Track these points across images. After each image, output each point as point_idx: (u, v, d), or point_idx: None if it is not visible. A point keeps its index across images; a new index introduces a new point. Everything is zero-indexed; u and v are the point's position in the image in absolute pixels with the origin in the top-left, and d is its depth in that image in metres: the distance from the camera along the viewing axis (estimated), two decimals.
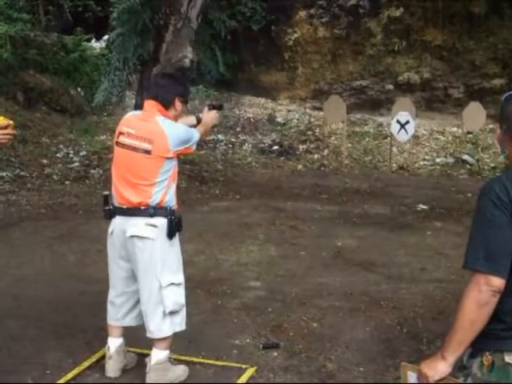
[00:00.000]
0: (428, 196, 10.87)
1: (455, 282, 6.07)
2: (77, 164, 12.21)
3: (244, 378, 4.27)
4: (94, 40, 19.38)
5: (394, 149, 14.27)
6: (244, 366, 4.42)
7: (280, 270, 6.79)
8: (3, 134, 3.75)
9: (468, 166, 13.62)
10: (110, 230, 4.17)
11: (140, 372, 4.19)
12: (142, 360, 4.26)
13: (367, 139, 15.41)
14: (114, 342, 4.24)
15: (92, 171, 11.71)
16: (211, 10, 14.28)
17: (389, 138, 14.26)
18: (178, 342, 4.31)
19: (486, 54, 15.45)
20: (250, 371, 4.36)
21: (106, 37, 17.28)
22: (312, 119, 16.67)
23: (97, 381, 4.22)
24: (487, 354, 2.35)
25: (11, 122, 3.79)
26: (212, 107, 4.55)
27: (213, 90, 18.06)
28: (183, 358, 4.45)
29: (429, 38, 15.91)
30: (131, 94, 15.72)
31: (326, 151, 14.75)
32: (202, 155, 13.65)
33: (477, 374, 2.38)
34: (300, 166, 13.80)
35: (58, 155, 12.66)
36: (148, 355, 4.15)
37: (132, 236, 3.98)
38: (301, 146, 15.02)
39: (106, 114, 16.53)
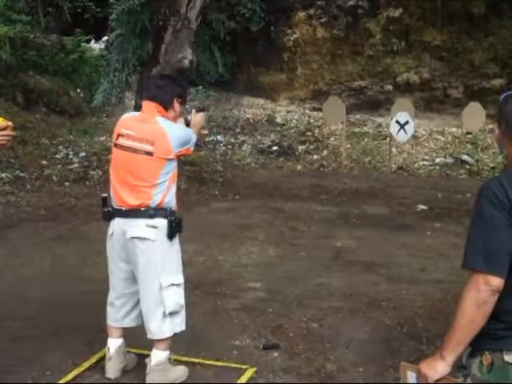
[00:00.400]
0: (427, 196, 10.88)
1: (455, 283, 6.06)
2: (76, 165, 12.21)
3: (244, 379, 4.27)
4: (93, 41, 19.41)
5: (394, 149, 14.28)
6: (244, 367, 4.42)
7: (280, 270, 6.80)
8: (2, 136, 3.75)
9: (467, 167, 13.62)
10: (109, 231, 4.16)
11: (140, 373, 4.19)
12: (141, 361, 4.26)
13: (366, 140, 15.42)
14: (114, 343, 4.24)
15: (91, 172, 11.72)
16: (210, 11, 14.29)
17: (388, 139, 14.26)
18: (177, 343, 4.31)
19: (486, 54, 15.46)
20: (250, 372, 4.36)
21: (105, 38, 17.29)
22: (311, 120, 16.68)
23: (97, 381, 4.22)
24: (486, 353, 2.36)
25: (10, 124, 3.79)
26: (199, 109, 4.59)
27: (212, 90, 18.07)
28: (183, 358, 4.45)
29: (428, 38, 15.91)
30: (130, 95, 15.74)
31: (325, 152, 14.75)
32: (202, 156, 13.66)
33: (476, 374, 2.39)
34: (299, 167, 13.81)
35: (57, 156, 12.66)
36: (148, 356, 4.15)
37: (132, 237, 3.98)
38: (300, 147, 15.02)
39: (105, 115, 16.55)
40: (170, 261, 4.07)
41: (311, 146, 15.12)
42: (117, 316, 4.24)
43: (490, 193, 2.35)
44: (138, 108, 4.23)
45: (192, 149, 4.21)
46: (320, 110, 15.68)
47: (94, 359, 4.46)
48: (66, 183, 11.08)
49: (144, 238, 3.96)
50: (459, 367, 2.45)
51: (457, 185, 12.11)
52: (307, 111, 17.33)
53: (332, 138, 15.50)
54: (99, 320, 4.46)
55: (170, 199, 4.04)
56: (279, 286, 6.25)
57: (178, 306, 4.11)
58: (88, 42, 19.15)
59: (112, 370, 4.22)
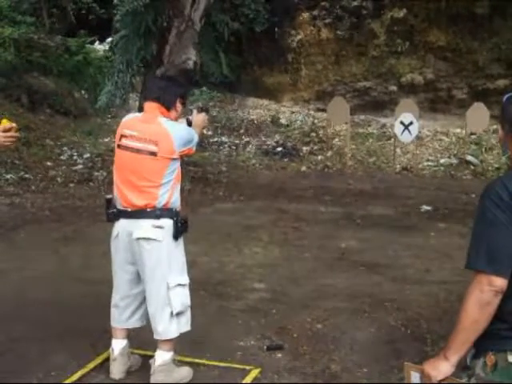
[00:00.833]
0: (432, 197, 10.87)
1: (459, 283, 6.04)
2: (81, 166, 12.24)
3: (248, 380, 4.26)
4: (97, 42, 19.46)
5: (398, 150, 14.27)
6: (248, 368, 4.42)
7: (284, 271, 6.80)
8: (6, 137, 3.77)
9: (472, 167, 13.61)
10: (114, 233, 4.16)
11: (144, 374, 4.20)
12: (146, 362, 4.26)
13: (371, 140, 15.42)
14: (119, 344, 4.24)
15: (96, 173, 11.74)
16: (214, 12, 14.29)
17: (392, 139, 14.26)
18: (182, 344, 4.31)
19: (490, 55, 15.45)
20: (255, 372, 4.36)
21: (109, 39, 17.34)
22: (315, 121, 16.68)
23: (101, 382, 4.22)
24: (490, 354, 2.36)
25: (14, 125, 3.81)
26: (201, 109, 4.57)
27: (216, 91, 18.08)
28: (187, 359, 4.45)
29: (432, 38, 15.91)
30: (135, 96, 15.76)
31: (329, 152, 14.76)
32: (206, 157, 13.67)
33: (480, 374, 2.38)
34: (304, 168, 13.81)
35: (61, 157, 12.69)
36: (152, 357, 4.15)
37: (139, 238, 3.98)
38: (304, 148, 15.03)
39: (109, 116, 16.58)
40: (177, 261, 4.08)
41: (315, 147, 15.12)
42: (121, 317, 4.24)
43: (494, 193, 2.35)
44: (142, 109, 4.22)
45: (194, 149, 4.21)
46: (324, 110, 15.70)
47: (98, 360, 4.46)
48: (71, 184, 11.10)
49: (150, 239, 3.96)
50: (463, 368, 2.45)
51: (461, 185, 12.10)
52: (311, 112, 17.34)
53: (336, 139, 15.51)
54: (104, 321, 4.46)
55: (175, 199, 4.04)
56: (283, 287, 6.25)
57: (185, 307, 4.12)
58: (92, 43, 19.20)
59: (116, 371, 4.22)
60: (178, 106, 4.15)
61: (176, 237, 4.02)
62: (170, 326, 4.06)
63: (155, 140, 3.94)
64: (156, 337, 4.12)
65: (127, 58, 13.35)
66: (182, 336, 4.17)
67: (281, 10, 17.03)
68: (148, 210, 3.97)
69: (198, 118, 4.45)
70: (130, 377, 4.26)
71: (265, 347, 4.78)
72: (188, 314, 4.17)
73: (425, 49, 16.08)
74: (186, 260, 4.21)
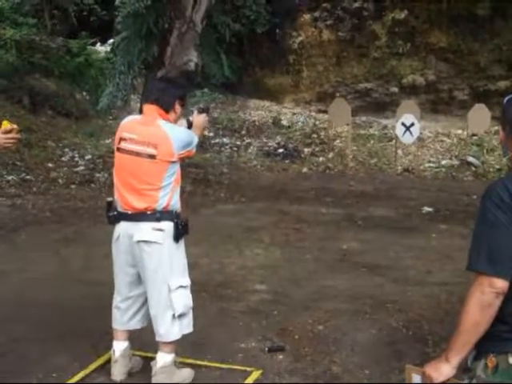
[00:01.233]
0: (433, 198, 10.87)
1: (461, 285, 6.03)
2: (82, 168, 12.25)
3: (249, 381, 4.26)
4: (98, 44, 19.45)
5: (399, 151, 14.27)
6: (249, 369, 4.42)
7: (285, 272, 6.79)
8: (7, 138, 3.78)
9: (473, 168, 13.61)
10: (115, 235, 4.16)
11: (145, 376, 4.19)
12: (147, 364, 4.26)
13: (372, 142, 15.42)
14: (120, 346, 4.24)
15: (97, 175, 11.75)
16: (216, 14, 14.29)
17: (394, 141, 14.25)
18: (183, 346, 4.31)
19: (491, 56, 15.45)
20: (256, 374, 4.35)
21: (110, 41, 17.32)
22: (317, 122, 16.68)
23: (102, 383, 4.22)
24: (491, 356, 2.35)
25: (15, 127, 3.81)
26: (201, 110, 4.56)
27: (218, 93, 18.08)
28: (189, 361, 4.45)
29: (433, 40, 15.91)
30: (136, 98, 15.75)
31: (330, 154, 14.76)
32: (207, 158, 13.68)
33: (481, 376, 2.38)
34: (305, 169, 13.81)
35: (63, 159, 12.70)
36: (153, 359, 4.15)
37: (139, 241, 3.98)
38: (306, 149, 15.03)
39: (111, 117, 16.59)
40: (178, 263, 4.08)
41: (317, 148, 15.12)
42: (122, 319, 4.24)
43: (495, 194, 2.34)
44: (142, 111, 4.21)
45: (194, 150, 4.21)
46: (326, 112, 15.70)
47: (99, 362, 4.46)
48: (72, 186, 11.11)
49: (151, 242, 3.96)
50: (464, 369, 2.44)
51: (462, 187, 12.10)
52: (313, 113, 17.34)
53: (338, 140, 15.50)
54: (105, 322, 4.46)
55: (175, 202, 4.04)
56: (284, 289, 6.25)
57: (187, 308, 4.12)
58: (94, 44, 19.19)
59: (118, 372, 4.22)
60: (177, 107, 4.14)
61: (177, 239, 4.02)
62: (172, 328, 4.06)
63: (154, 143, 3.94)
64: (158, 339, 4.12)
65: (128, 59, 13.35)
66: (184, 338, 4.16)
67: (282, 11, 17.03)
68: (148, 212, 3.97)
69: (199, 119, 4.44)
70: (131, 378, 4.25)
71: (266, 349, 4.77)
72: (190, 315, 4.17)
73: (426, 50, 16.09)
74: (187, 262, 4.21)
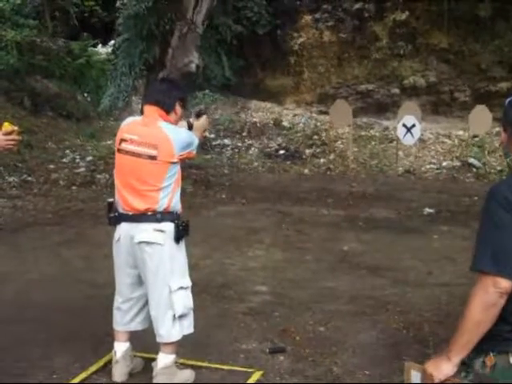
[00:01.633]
0: (434, 200, 10.86)
1: (462, 286, 6.04)
2: (83, 169, 12.26)
3: (250, 382, 4.26)
4: (100, 45, 19.46)
5: (400, 152, 14.27)
6: (250, 370, 4.42)
7: (286, 274, 6.80)
8: (8, 140, 3.78)
9: (474, 170, 13.60)
10: (115, 236, 4.16)
11: (146, 376, 4.20)
12: (148, 365, 4.26)
13: (373, 143, 15.41)
14: (121, 347, 4.24)
15: (98, 176, 11.75)
16: (217, 15, 14.30)
17: (395, 142, 14.26)
18: (184, 347, 4.31)
19: (492, 57, 15.43)
20: (257, 375, 4.35)
21: (112, 42, 17.33)
22: (318, 123, 16.66)
23: None
24: (491, 354, 2.36)
25: (16, 128, 3.82)
26: (199, 114, 4.57)
27: (219, 94, 18.07)
28: (190, 362, 4.45)
29: (434, 41, 15.89)
30: (137, 99, 15.75)
31: (332, 155, 14.75)
32: (209, 160, 13.68)
33: (479, 371, 2.39)
34: (306, 170, 13.81)
35: (64, 160, 12.71)
36: (154, 360, 4.15)
37: (140, 242, 3.99)
38: (307, 150, 15.02)
39: (112, 119, 16.60)
40: (178, 264, 4.08)
41: (318, 150, 15.11)
42: (123, 320, 4.25)
43: (500, 195, 2.35)
44: (143, 112, 4.21)
45: (195, 152, 4.21)
46: (327, 113, 15.70)
47: (101, 363, 4.46)
48: (73, 187, 11.11)
49: (152, 243, 3.96)
50: (461, 363, 2.44)
51: (464, 188, 12.09)
52: (314, 115, 17.32)
53: (339, 142, 15.50)
54: (106, 324, 4.46)
55: (175, 202, 4.05)
56: (286, 290, 6.25)
57: (187, 309, 4.11)
58: (95, 46, 19.21)
59: (119, 373, 4.22)
60: (178, 109, 4.15)
61: (177, 240, 4.02)
62: (172, 329, 4.06)
63: (155, 144, 3.94)
64: (159, 340, 4.12)
65: (130, 61, 13.36)
66: (185, 338, 4.16)
67: (283, 12, 17.03)
68: (149, 213, 3.98)
69: (200, 120, 4.45)
70: (132, 379, 4.26)
71: (267, 350, 4.77)
72: (191, 316, 4.17)
73: (427, 51, 16.06)
74: (188, 263, 4.21)
